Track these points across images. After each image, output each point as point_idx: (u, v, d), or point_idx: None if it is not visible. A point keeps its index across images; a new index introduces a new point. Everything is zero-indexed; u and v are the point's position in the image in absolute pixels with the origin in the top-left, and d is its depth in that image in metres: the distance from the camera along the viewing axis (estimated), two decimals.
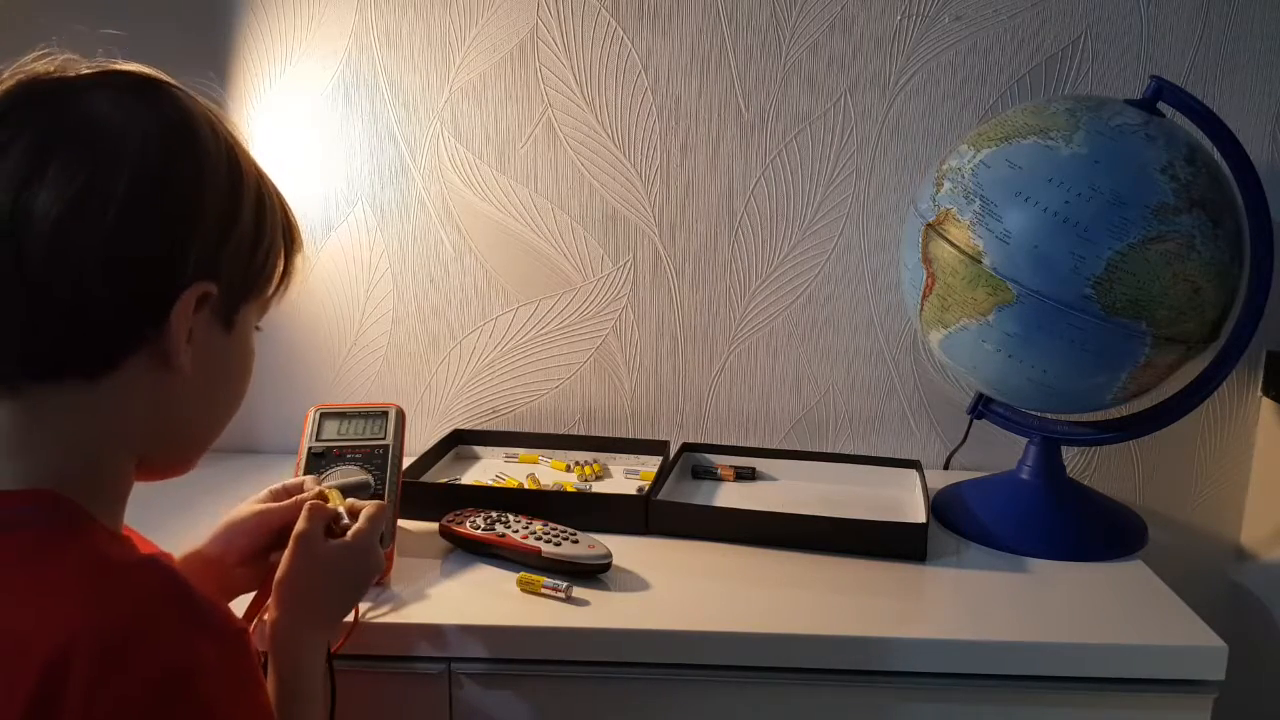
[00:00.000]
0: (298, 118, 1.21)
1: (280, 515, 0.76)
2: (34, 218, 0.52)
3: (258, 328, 0.67)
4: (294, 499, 0.79)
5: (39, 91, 0.56)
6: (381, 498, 0.89)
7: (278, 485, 0.81)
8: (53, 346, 0.55)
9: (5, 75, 0.57)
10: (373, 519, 0.76)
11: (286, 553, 0.72)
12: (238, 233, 0.60)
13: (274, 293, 0.67)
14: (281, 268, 0.66)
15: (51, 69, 0.58)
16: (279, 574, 0.71)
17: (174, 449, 0.64)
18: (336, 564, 0.73)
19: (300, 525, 0.73)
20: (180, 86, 0.61)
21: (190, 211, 0.57)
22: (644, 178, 1.22)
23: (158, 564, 0.55)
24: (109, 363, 0.56)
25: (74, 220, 0.53)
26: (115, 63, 0.60)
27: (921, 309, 1.00)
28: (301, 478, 0.85)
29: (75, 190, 0.53)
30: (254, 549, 0.76)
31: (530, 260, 1.24)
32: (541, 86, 1.20)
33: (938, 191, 0.97)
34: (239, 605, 0.75)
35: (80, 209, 0.53)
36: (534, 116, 1.21)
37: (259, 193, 0.62)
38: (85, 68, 0.59)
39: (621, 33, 1.18)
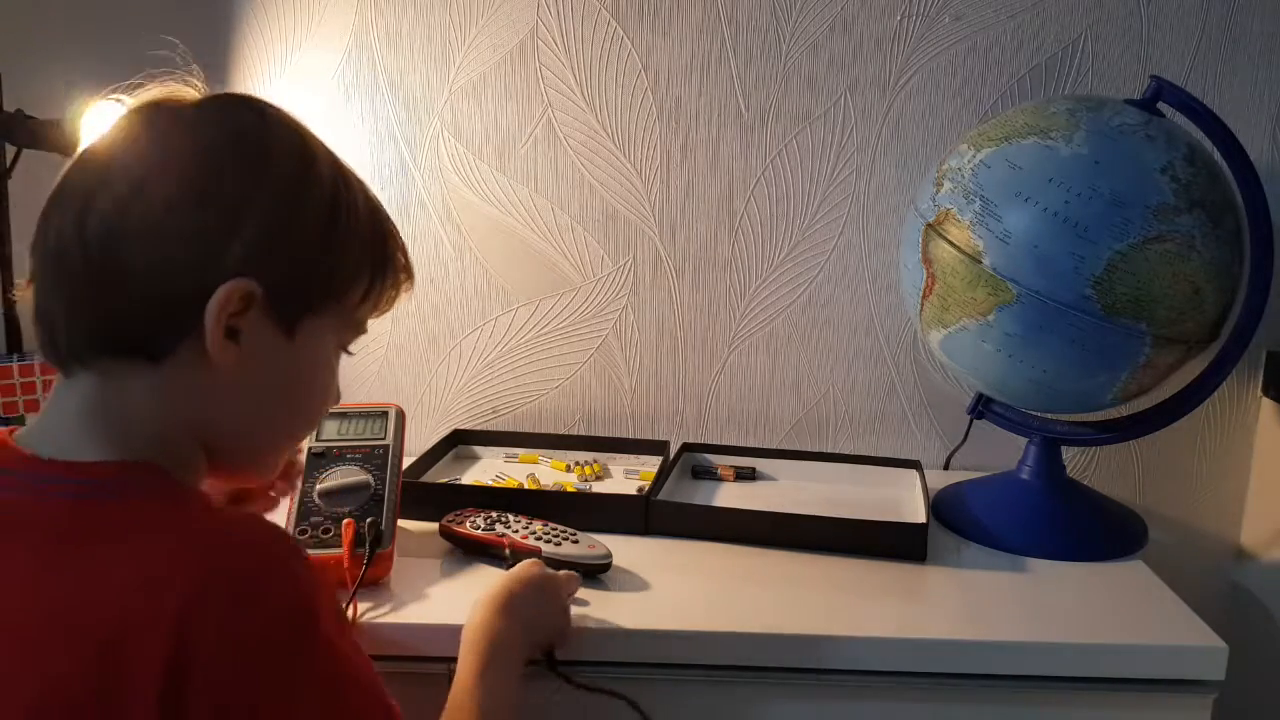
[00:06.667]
0: (297, 117, 1.21)
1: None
2: (95, 209, 0.58)
3: (348, 351, 0.70)
4: None
5: (144, 127, 0.61)
6: (382, 498, 0.89)
7: None
8: (114, 325, 0.59)
9: (133, 100, 0.63)
10: (572, 579, 0.84)
11: (519, 566, 0.81)
12: (291, 237, 0.61)
13: (356, 312, 0.68)
14: (364, 290, 0.67)
15: (161, 99, 0.63)
16: (503, 586, 0.77)
17: (234, 447, 0.66)
18: (552, 588, 0.80)
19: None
20: (275, 105, 0.65)
21: (238, 209, 0.59)
22: (644, 178, 1.22)
23: (263, 518, 0.60)
24: (164, 346, 0.59)
25: (127, 210, 0.58)
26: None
27: (921, 309, 0.99)
28: None
29: (131, 182, 0.58)
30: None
31: (530, 260, 1.24)
32: (541, 86, 1.20)
33: (938, 191, 0.97)
34: None
35: (132, 200, 0.58)
36: (534, 116, 1.21)
37: (335, 207, 0.64)
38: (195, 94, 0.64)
39: (621, 33, 1.18)
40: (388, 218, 0.70)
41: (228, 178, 0.60)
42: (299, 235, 0.62)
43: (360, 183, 0.68)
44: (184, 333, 0.59)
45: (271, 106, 0.65)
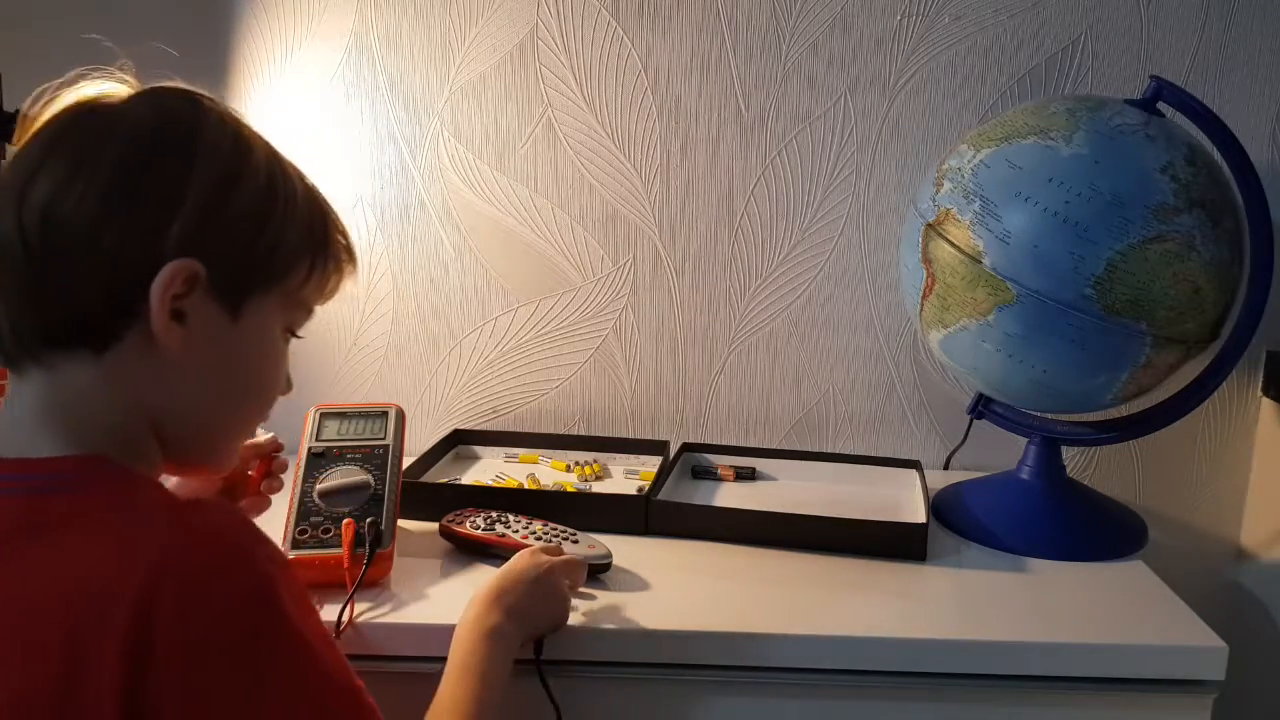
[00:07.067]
0: (297, 117, 1.21)
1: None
2: (30, 200, 0.58)
3: (296, 335, 0.70)
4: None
5: (78, 118, 0.61)
6: (382, 498, 0.89)
7: None
8: (60, 316, 0.59)
9: (61, 102, 0.63)
10: (572, 564, 0.84)
11: (514, 559, 0.82)
12: (230, 216, 0.62)
13: (300, 293, 0.68)
14: (306, 271, 0.67)
15: (95, 95, 0.63)
16: (495, 581, 0.78)
17: (186, 435, 0.65)
18: (547, 580, 0.80)
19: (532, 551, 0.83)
20: (210, 96, 0.65)
21: (176, 189, 0.60)
22: (644, 178, 1.22)
23: (221, 502, 0.60)
24: (111, 334, 0.59)
25: (62, 196, 0.58)
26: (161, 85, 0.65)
27: (921, 309, 1.00)
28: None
29: (66, 169, 0.58)
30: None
31: (530, 260, 1.24)
32: (541, 86, 1.20)
33: (938, 191, 0.97)
34: None
35: (67, 186, 0.58)
36: (534, 116, 1.21)
37: (272, 189, 0.64)
38: (128, 91, 0.64)
39: (621, 33, 1.18)
40: (327, 203, 0.71)
41: (164, 161, 0.60)
42: (238, 215, 0.62)
43: (297, 170, 0.68)
44: (129, 319, 0.59)
45: (205, 97, 0.65)
